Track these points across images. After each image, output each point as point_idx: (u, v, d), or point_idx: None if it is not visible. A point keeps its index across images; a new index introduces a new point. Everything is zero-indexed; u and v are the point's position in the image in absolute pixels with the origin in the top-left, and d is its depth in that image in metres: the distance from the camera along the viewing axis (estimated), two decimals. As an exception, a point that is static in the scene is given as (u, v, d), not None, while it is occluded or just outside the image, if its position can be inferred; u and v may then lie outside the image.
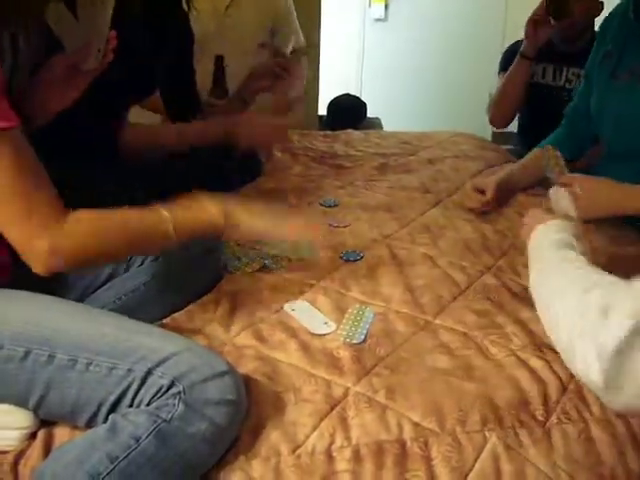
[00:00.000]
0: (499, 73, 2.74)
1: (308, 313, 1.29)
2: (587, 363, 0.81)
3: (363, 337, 1.22)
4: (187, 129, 1.73)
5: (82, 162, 1.47)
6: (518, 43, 2.71)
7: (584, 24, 2.42)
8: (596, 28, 2.27)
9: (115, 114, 1.68)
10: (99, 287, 1.30)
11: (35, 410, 1.02)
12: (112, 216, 1.10)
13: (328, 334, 1.23)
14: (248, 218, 1.22)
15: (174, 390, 0.95)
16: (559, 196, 1.29)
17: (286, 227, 1.28)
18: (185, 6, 1.73)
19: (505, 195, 1.83)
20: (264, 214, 1.26)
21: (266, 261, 1.46)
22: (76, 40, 1.22)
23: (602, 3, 2.43)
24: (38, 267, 1.04)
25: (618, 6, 1.79)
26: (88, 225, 1.08)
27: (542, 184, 2.03)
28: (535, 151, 1.93)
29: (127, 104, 1.71)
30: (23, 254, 1.04)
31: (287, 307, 1.31)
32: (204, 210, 1.18)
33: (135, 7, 1.38)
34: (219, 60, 2.12)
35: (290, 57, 2.46)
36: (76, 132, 1.35)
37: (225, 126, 1.73)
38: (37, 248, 1.03)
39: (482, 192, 1.79)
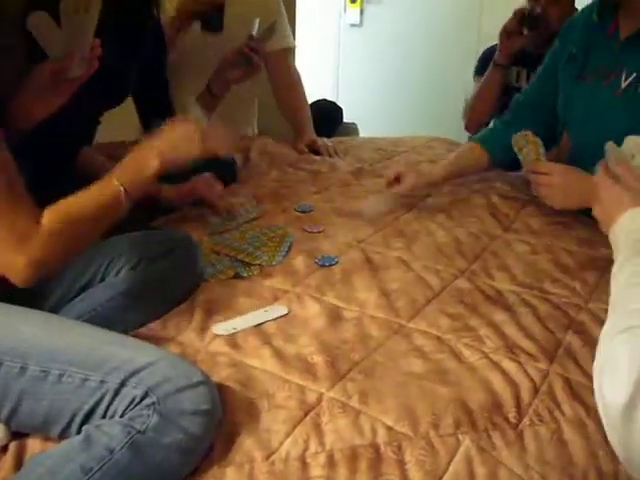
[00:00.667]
0: (474, 77, 2.77)
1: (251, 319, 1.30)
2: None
3: (282, 258, 1.48)
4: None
5: (53, 169, 1.47)
6: (493, 48, 2.75)
7: (558, 28, 2.45)
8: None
9: (88, 120, 1.67)
10: (74, 297, 1.29)
11: (7, 422, 1.01)
12: (75, 210, 1.11)
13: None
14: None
15: (148, 401, 0.95)
16: (613, 150, 1.17)
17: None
18: (155, 12, 1.72)
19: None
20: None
21: (239, 269, 1.46)
22: (59, 48, 1.22)
23: (575, 8, 2.47)
24: (19, 281, 1.05)
25: (582, 11, 1.83)
26: (59, 230, 1.08)
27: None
28: (470, 144, 1.99)
29: (100, 110, 1.70)
30: (3, 270, 1.04)
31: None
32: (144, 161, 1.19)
33: (110, 14, 1.38)
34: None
35: (278, 57, 2.43)
36: (49, 137, 1.34)
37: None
38: (16, 264, 1.04)
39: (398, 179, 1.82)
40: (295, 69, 2.54)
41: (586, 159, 1.68)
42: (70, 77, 1.24)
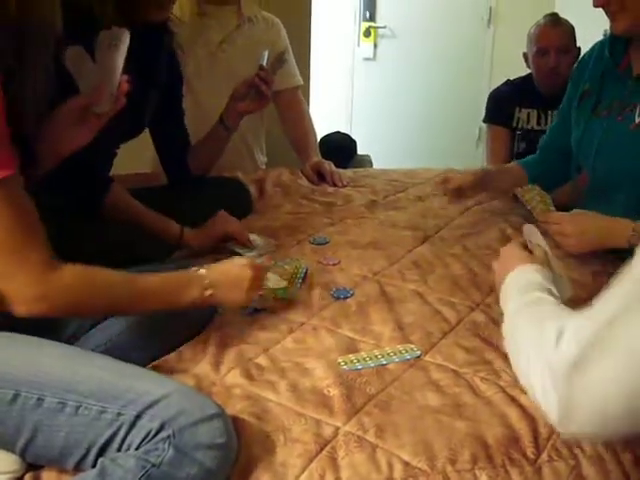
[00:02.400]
0: (484, 121, 2.80)
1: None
2: (543, 391, 0.83)
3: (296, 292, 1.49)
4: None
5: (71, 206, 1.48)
6: (499, 89, 2.79)
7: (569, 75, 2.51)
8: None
9: (106, 152, 1.69)
10: (91, 328, 1.30)
11: (22, 454, 1.01)
12: (110, 276, 1.15)
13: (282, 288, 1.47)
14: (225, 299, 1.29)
15: (163, 434, 0.94)
16: (531, 232, 1.32)
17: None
18: (173, 45, 1.75)
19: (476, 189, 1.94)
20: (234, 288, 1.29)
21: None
22: (92, 83, 1.25)
23: (579, 48, 2.52)
24: (20, 310, 1.06)
25: (592, 48, 1.85)
26: (81, 279, 1.11)
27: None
28: (513, 164, 2.04)
29: (118, 142, 1.73)
30: (8, 300, 1.05)
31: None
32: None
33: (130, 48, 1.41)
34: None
35: (289, 95, 2.48)
36: (68, 171, 1.35)
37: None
38: (24, 294, 1.05)
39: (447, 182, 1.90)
40: (304, 106, 2.59)
41: (602, 193, 1.69)
42: (98, 112, 1.26)
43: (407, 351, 1.29)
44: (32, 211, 1.06)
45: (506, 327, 1.04)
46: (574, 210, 1.66)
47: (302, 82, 2.56)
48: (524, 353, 0.91)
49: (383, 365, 1.24)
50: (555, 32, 2.57)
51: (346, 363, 1.24)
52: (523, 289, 1.08)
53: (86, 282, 1.12)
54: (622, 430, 0.83)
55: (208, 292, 1.23)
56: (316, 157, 2.48)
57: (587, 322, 0.82)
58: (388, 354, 1.28)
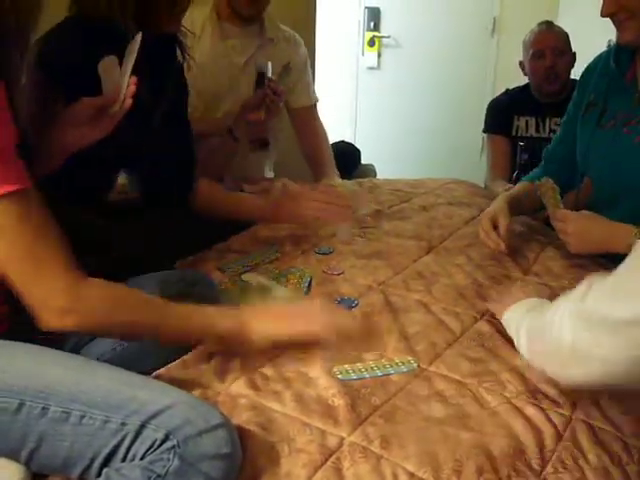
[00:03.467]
0: (484, 131, 2.82)
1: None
2: (562, 322, 0.97)
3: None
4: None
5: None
6: (497, 99, 2.82)
7: (565, 78, 2.54)
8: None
9: (110, 163, 1.70)
10: (95, 337, 1.30)
11: (27, 463, 1.01)
12: (141, 294, 1.14)
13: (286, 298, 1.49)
14: (263, 328, 1.21)
15: (169, 444, 0.94)
16: None
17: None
18: (180, 57, 1.76)
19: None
20: (278, 319, 1.26)
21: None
22: (114, 87, 1.28)
23: (575, 53, 2.56)
24: (50, 324, 1.05)
25: (596, 59, 1.84)
26: (111, 294, 1.10)
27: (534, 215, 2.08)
28: (524, 184, 1.98)
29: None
30: (37, 314, 1.04)
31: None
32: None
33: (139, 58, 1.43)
34: (262, 73, 2.10)
35: (306, 113, 2.49)
36: (71, 183, 1.36)
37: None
38: (52, 305, 1.03)
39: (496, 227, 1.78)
40: (320, 124, 2.58)
41: (607, 204, 1.69)
42: (111, 113, 1.29)
43: (404, 363, 1.28)
44: (52, 224, 1.05)
45: (525, 328, 1.18)
46: (582, 211, 1.66)
47: (318, 99, 2.55)
48: (548, 319, 1.03)
49: (378, 377, 1.24)
50: (550, 34, 2.62)
51: (341, 373, 1.23)
52: (532, 307, 1.20)
53: (117, 297, 1.10)
54: (620, 382, 0.95)
55: (244, 319, 1.19)
56: (333, 175, 2.46)
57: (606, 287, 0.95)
58: (384, 366, 1.27)
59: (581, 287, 0.99)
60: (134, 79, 1.28)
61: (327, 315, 1.27)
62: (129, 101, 1.29)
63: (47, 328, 1.05)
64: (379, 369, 1.26)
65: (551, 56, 2.56)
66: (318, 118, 2.57)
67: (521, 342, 1.19)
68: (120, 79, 1.28)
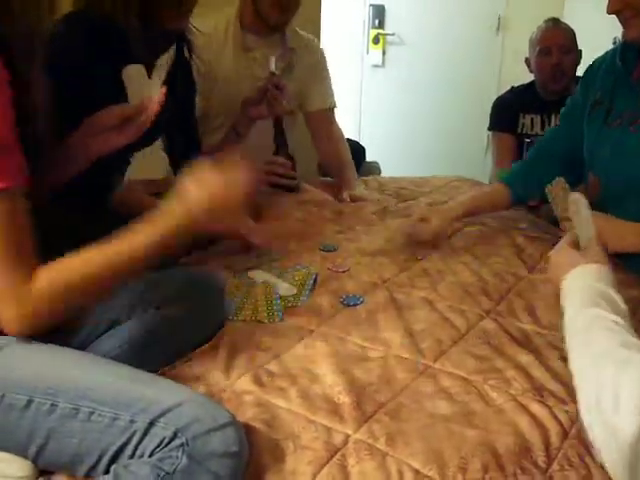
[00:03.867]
0: (489, 129, 2.81)
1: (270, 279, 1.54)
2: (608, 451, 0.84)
3: (306, 298, 1.52)
4: None
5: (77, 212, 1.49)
6: (503, 96, 2.82)
7: (571, 75, 2.54)
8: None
9: (122, 160, 1.71)
10: (102, 334, 1.30)
11: (34, 459, 1.02)
12: (79, 274, 1.07)
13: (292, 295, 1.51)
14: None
15: (177, 442, 0.94)
16: (580, 205, 1.29)
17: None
18: (187, 55, 1.76)
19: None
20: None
21: (261, 312, 1.45)
22: (141, 97, 1.29)
23: (581, 51, 2.55)
24: (11, 331, 1.05)
25: (602, 57, 1.83)
26: (57, 280, 1.05)
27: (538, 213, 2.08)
28: (495, 186, 2.01)
29: (134, 150, 1.73)
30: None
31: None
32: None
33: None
34: (278, 122, 2.10)
35: (322, 116, 2.44)
36: (83, 178, 1.37)
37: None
38: (5, 315, 1.03)
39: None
40: (338, 128, 2.53)
41: (614, 202, 1.69)
42: (138, 121, 1.30)
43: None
44: (24, 226, 1.03)
45: (568, 331, 1.05)
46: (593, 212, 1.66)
47: (336, 104, 2.51)
48: (584, 377, 0.93)
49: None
50: (557, 32, 2.62)
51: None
52: (588, 296, 1.07)
53: (62, 280, 1.05)
54: None
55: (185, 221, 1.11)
56: (353, 183, 2.41)
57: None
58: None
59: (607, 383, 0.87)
60: (164, 89, 1.28)
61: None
62: (152, 114, 1.29)
63: (17, 335, 1.05)
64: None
65: (557, 53, 2.56)
66: (335, 122, 2.52)
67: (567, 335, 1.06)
68: (150, 89, 1.28)
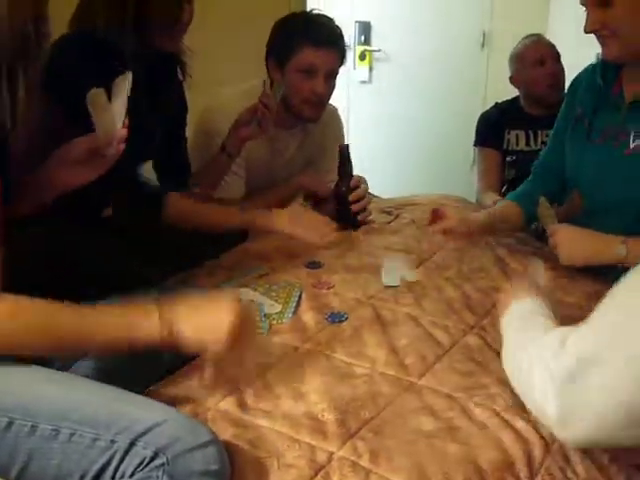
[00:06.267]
0: (475, 145, 2.83)
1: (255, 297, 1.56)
2: (544, 393, 0.90)
3: (291, 315, 1.52)
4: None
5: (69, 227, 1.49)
6: (488, 112, 2.83)
7: (545, 90, 2.54)
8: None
9: (114, 181, 1.71)
10: (84, 354, 1.30)
11: (17, 480, 1.01)
12: (49, 306, 1.04)
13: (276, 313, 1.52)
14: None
15: (158, 462, 0.94)
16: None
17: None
18: (180, 75, 1.77)
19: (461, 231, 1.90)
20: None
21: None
22: (107, 125, 1.25)
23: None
24: None
25: (584, 71, 1.84)
26: (12, 312, 1.02)
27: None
28: (506, 202, 1.99)
29: (126, 170, 1.73)
30: None
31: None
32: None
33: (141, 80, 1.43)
34: (342, 150, 2.10)
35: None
36: (73, 197, 1.37)
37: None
38: None
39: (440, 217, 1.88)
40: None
41: (598, 218, 1.70)
42: (107, 154, 1.27)
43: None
44: None
45: (508, 344, 1.13)
46: (569, 225, 1.69)
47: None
48: (526, 361, 0.98)
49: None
50: (546, 43, 2.64)
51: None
52: (526, 315, 1.14)
53: (19, 314, 1.02)
54: (620, 441, 0.88)
55: (171, 327, 1.08)
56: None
57: (587, 331, 0.89)
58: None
59: (552, 337, 0.95)
60: (126, 122, 1.26)
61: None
62: (121, 147, 1.27)
63: None
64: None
65: (551, 63, 2.57)
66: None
67: (507, 348, 1.15)
68: (113, 119, 1.26)
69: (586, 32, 1.59)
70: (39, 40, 1.10)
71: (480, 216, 1.95)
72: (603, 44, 1.61)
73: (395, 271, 1.70)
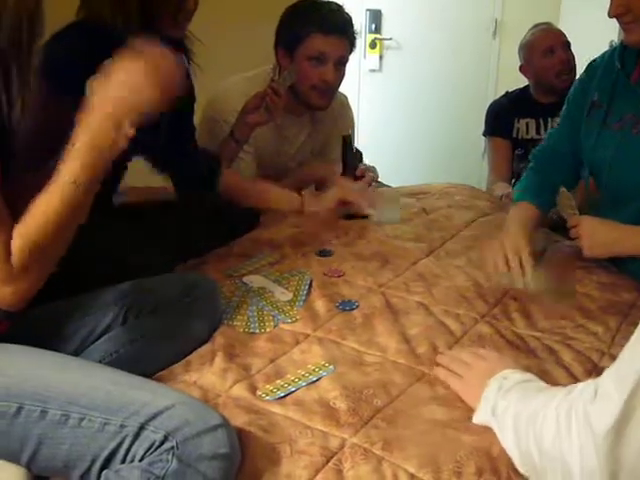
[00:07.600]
0: (484, 134, 2.81)
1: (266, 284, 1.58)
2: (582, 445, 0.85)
3: (302, 303, 1.51)
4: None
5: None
6: (497, 101, 2.82)
7: (553, 79, 2.54)
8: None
9: (117, 166, 1.70)
10: (97, 339, 1.30)
11: (28, 466, 1.01)
12: (39, 232, 1.03)
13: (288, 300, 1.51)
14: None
15: (167, 445, 0.94)
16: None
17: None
18: (186, 63, 1.76)
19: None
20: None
21: (252, 324, 1.44)
22: None
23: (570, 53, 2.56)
24: (12, 308, 1.03)
25: (602, 56, 1.82)
26: (28, 231, 1.02)
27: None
28: (520, 204, 1.84)
29: (131, 156, 1.73)
30: None
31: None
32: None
33: None
34: (345, 140, 2.11)
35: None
36: None
37: None
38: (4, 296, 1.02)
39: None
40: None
41: (615, 205, 1.69)
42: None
43: (321, 368, 1.26)
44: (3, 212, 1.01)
45: (506, 421, 1.04)
46: (592, 217, 1.69)
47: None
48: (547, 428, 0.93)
49: (303, 387, 1.21)
50: (556, 31, 2.65)
51: (267, 394, 1.19)
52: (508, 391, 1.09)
53: (29, 228, 1.02)
54: None
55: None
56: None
57: (617, 384, 0.84)
58: (304, 375, 1.24)
59: (586, 385, 0.91)
60: None
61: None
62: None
63: (17, 305, 1.03)
64: (301, 380, 1.23)
65: (562, 51, 2.57)
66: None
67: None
68: None
69: (610, 16, 1.57)
70: (33, 36, 1.09)
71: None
72: (625, 29, 1.59)
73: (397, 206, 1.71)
